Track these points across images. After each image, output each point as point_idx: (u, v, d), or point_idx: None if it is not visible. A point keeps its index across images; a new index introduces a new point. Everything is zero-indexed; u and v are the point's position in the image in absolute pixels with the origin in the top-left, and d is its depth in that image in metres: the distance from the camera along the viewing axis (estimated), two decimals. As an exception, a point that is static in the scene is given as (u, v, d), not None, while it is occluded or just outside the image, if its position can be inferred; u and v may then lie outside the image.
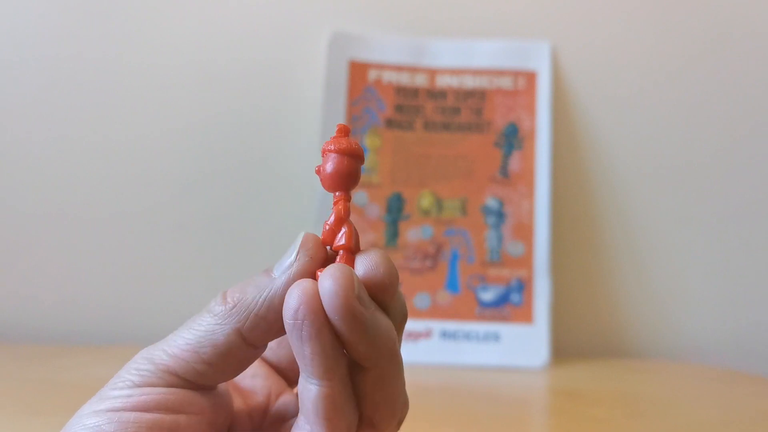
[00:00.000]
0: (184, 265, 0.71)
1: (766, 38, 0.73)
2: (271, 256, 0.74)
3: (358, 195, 0.68)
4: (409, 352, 0.65)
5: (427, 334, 0.66)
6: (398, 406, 0.24)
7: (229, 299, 0.24)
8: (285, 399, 0.29)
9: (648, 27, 0.73)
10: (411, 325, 0.66)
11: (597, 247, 0.73)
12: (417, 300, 0.67)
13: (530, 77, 0.70)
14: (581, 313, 0.72)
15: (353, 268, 0.24)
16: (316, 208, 0.67)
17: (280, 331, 0.23)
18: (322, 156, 0.25)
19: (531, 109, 0.70)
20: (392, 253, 0.68)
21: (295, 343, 0.22)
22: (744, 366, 0.71)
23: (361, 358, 0.23)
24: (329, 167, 0.25)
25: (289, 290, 0.23)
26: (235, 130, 0.72)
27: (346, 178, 0.25)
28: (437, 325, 0.66)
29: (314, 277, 0.24)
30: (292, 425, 0.26)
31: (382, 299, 0.24)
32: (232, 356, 0.23)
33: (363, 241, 0.66)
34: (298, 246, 0.24)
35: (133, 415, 0.22)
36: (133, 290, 0.71)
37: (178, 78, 0.72)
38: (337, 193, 0.25)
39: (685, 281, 0.72)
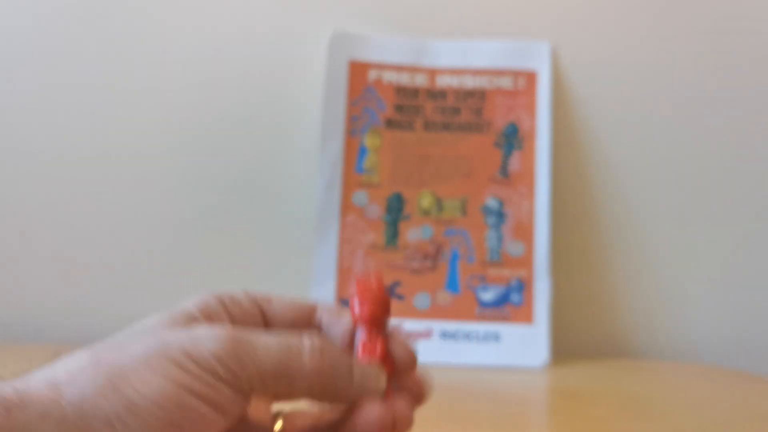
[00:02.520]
0: (184, 265, 0.71)
1: (766, 38, 0.73)
2: (271, 257, 0.75)
3: (358, 195, 0.68)
4: (409, 352, 0.65)
5: (427, 334, 0.66)
6: None
7: None
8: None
9: (648, 27, 0.73)
10: (411, 325, 0.66)
11: (597, 247, 0.72)
12: (417, 300, 0.67)
13: (530, 77, 0.70)
14: (581, 313, 0.72)
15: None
16: (316, 208, 0.67)
17: None
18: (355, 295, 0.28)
19: (531, 109, 0.70)
20: (392, 253, 0.68)
21: None
22: (744, 366, 0.71)
23: None
24: (356, 308, 0.28)
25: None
26: (235, 130, 0.72)
27: (371, 320, 0.28)
28: (437, 325, 0.66)
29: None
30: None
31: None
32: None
33: (364, 241, 0.66)
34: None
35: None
36: (133, 291, 0.71)
37: (178, 78, 0.72)
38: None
39: (685, 281, 0.72)
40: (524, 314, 0.66)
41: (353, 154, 0.69)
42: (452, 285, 0.67)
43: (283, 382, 0.24)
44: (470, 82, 0.71)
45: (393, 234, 0.68)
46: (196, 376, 0.23)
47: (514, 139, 0.70)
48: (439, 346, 0.65)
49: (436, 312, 0.67)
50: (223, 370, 0.23)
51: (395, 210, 0.68)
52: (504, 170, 0.69)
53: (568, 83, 0.72)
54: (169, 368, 0.23)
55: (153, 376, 0.22)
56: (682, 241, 0.73)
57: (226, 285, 0.71)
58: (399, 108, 0.70)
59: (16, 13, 0.71)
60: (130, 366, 0.23)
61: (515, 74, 0.71)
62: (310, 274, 0.68)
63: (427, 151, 0.70)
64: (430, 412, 0.47)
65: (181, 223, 0.71)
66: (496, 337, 0.66)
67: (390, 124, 0.70)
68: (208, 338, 0.24)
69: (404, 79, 0.71)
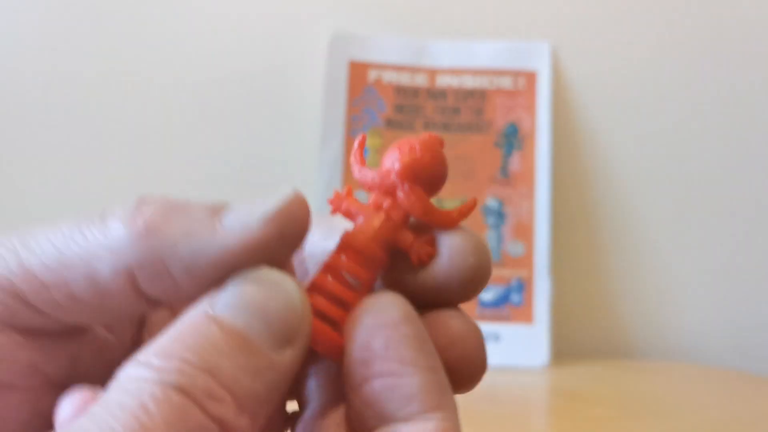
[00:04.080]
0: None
1: (767, 38, 0.73)
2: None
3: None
4: (409, 352, 0.65)
5: (427, 334, 0.66)
6: None
7: (140, 219, 0.16)
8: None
9: (648, 27, 0.73)
10: (411, 325, 0.66)
11: (597, 247, 0.72)
12: (417, 300, 0.67)
13: (530, 77, 0.70)
14: (581, 313, 0.72)
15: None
16: (317, 208, 0.67)
17: (189, 297, 0.16)
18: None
19: (531, 109, 0.70)
20: (392, 253, 0.68)
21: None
22: (744, 366, 0.71)
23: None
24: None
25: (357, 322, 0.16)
26: (234, 130, 0.72)
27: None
28: (437, 325, 0.66)
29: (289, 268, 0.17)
30: None
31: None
32: (112, 301, 0.16)
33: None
34: (273, 207, 0.16)
35: None
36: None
37: (177, 78, 0.72)
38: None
39: (685, 281, 0.72)
40: (524, 314, 0.66)
41: (353, 154, 0.69)
42: (452, 285, 0.67)
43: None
44: (470, 82, 0.71)
45: (393, 234, 0.68)
46: None
47: (514, 139, 0.70)
48: (439, 346, 0.65)
49: (436, 312, 0.67)
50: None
51: (395, 210, 0.68)
52: (504, 170, 0.69)
53: (568, 83, 0.72)
54: None
55: None
56: (682, 241, 0.73)
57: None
58: (399, 108, 0.70)
59: (16, 13, 0.71)
60: None
61: (515, 74, 0.71)
62: (310, 274, 0.68)
63: (427, 151, 0.70)
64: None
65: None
66: (496, 337, 0.66)
67: (390, 124, 0.70)
68: None
69: (404, 79, 0.71)
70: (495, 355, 0.65)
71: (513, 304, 0.67)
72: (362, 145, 0.20)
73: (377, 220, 0.18)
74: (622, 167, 0.73)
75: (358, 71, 0.70)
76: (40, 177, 0.71)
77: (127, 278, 0.15)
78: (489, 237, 0.68)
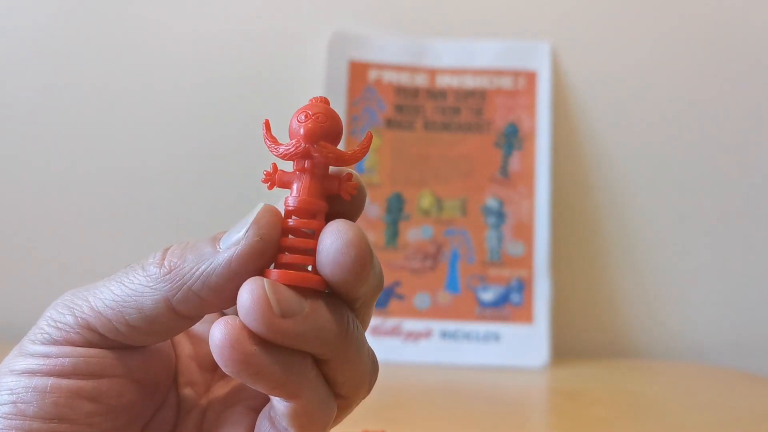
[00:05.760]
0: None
1: (766, 39, 0.73)
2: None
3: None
4: (409, 352, 0.65)
5: (427, 334, 0.66)
6: (366, 378, 0.23)
7: (166, 262, 0.21)
8: None
9: (648, 27, 0.73)
10: (411, 325, 0.66)
11: (597, 247, 0.72)
12: (417, 300, 0.67)
13: (530, 77, 0.70)
14: (581, 313, 0.72)
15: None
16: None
17: (216, 308, 0.22)
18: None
19: (531, 109, 0.70)
20: (392, 253, 0.68)
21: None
22: (744, 366, 0.71)
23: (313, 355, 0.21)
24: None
25: (212, 327, 0.20)
26: (235, 130, 0.72)
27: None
28: (437, 325, 0.66)
29: (263, 271, 0.21)
30: None
31: (352, 288, 0.21)
32: (158, 324, 0.22)
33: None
34: (251, 220, 0.21)
35: (49, 383, 0.21)
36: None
37: (178, 78, 0.72)
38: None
39: (685, 281, 0.72)
40: (524, 314, 0.66)
41: (353, 154, 0.69)
42: (452, 285, 0.67)
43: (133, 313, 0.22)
44: (470, 82, 0.71)
45: (393, 234, 0.68)
46: (40, 354, 0.22)
47: (514, 139, 0.70)
48: (439, 346, 0.65)
49: (436, 312, 0.67)
50: (55, 330, 0.22)
51: (395, 210, 0.68)
52: (504, 170, 0.69)
53: (568, 83, 0.72)
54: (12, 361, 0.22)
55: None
56: (682, 241, 0.73)
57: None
58: (399, 108, 0.70)
59: (15, 13, 0.71)
60: None
61: (515, 74, 0.71)
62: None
63: (427, 151, 0.70)
64: (430, 412, 0.47)
65: (181, 223, 0.71)
66: (496, 337, 0.66)
67: (390, 124, 0.70)
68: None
69: (404, 79, 0.71)
70: (495, 355, 0.65)
71: (513, 304, 0.67)
72: (268, 128, 0.24)
73: (306, 179, 0.22)
74: (622, 167, 0.73)
75: (358, 71, 0.70)
76: (38, 179, 0.71)
77: (165, 304, 0.21)
78: (489, 237, 0.68)
